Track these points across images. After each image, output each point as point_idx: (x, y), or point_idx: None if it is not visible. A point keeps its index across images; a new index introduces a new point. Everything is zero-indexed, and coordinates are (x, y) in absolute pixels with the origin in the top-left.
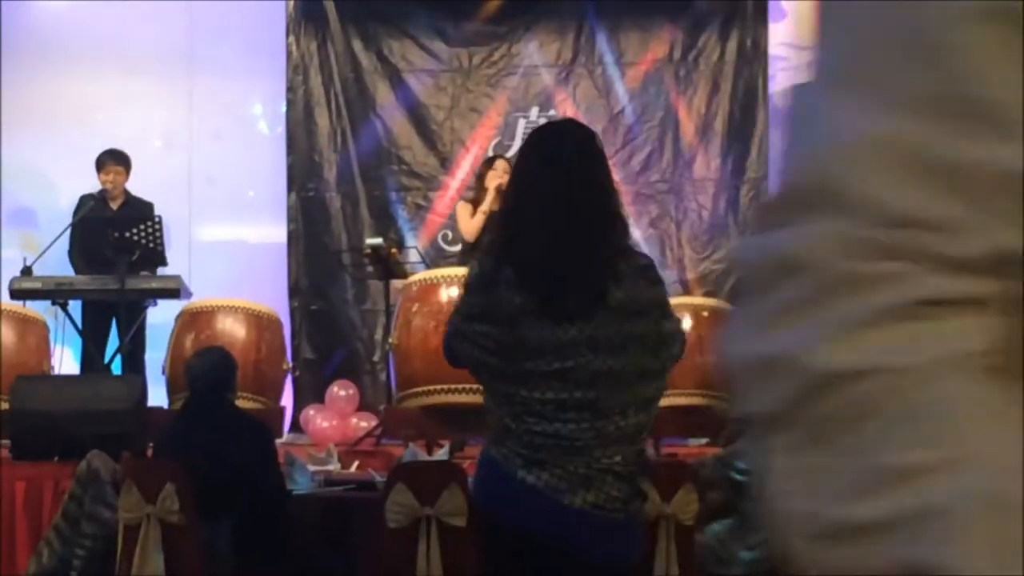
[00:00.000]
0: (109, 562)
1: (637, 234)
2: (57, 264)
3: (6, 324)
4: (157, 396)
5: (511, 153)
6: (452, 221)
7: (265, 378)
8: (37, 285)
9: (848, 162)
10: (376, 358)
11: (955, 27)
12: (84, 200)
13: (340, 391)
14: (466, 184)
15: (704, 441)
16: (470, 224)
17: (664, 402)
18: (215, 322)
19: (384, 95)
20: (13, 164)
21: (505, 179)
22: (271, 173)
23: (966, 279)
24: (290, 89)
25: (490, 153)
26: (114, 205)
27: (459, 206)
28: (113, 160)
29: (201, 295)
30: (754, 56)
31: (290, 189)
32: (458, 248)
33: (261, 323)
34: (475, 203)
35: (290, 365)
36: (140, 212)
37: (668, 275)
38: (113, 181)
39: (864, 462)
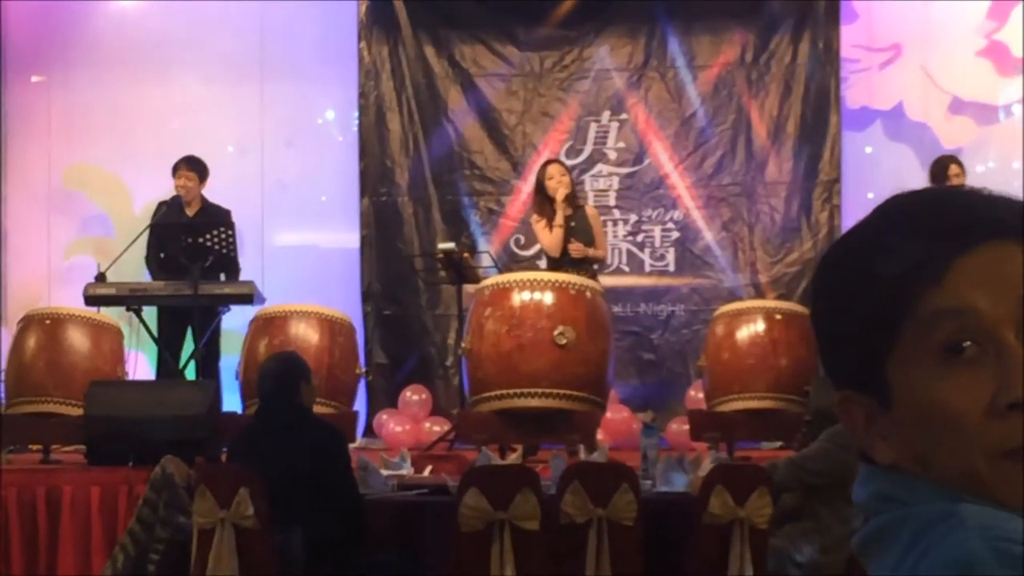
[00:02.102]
0: (183, 567)
1: (709, 237)
2: (131, 270)
3: (80, 330)
4: (231, 401)
5: (582, 158)
6: (524, 226)
7: (338, 383)
8: (111, 291)
9: None
10: (449, 362)
11: None
12: (160, 206)
13: (413, 395)
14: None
15: (778, 444)
16: (551, 239)
17: (737, 405)
18: (288, 327)
19: (456, 100)
20: (87, 171)
21: (564, 184)
22: (343, 178)
23: None
24: (362, 94)
25: (563, 157)
26: (190, 211)
27: (535, 222)
28: (186, 166)
29: (274, 300)
30: (826, 58)
31: (362, 194)
32: (531, 252)
33: (334, 328)
34: (542, 213)
35: (363, 370)
36: (215, 218)
37: (741, 278)
38: (184, 186)
39: None
